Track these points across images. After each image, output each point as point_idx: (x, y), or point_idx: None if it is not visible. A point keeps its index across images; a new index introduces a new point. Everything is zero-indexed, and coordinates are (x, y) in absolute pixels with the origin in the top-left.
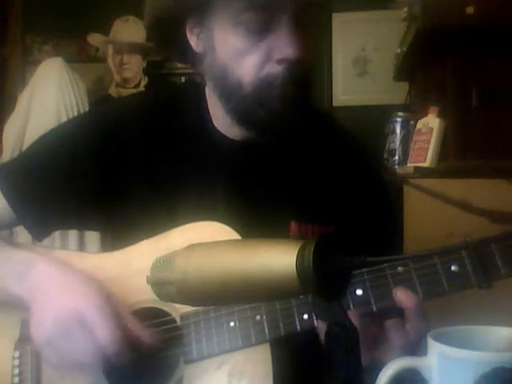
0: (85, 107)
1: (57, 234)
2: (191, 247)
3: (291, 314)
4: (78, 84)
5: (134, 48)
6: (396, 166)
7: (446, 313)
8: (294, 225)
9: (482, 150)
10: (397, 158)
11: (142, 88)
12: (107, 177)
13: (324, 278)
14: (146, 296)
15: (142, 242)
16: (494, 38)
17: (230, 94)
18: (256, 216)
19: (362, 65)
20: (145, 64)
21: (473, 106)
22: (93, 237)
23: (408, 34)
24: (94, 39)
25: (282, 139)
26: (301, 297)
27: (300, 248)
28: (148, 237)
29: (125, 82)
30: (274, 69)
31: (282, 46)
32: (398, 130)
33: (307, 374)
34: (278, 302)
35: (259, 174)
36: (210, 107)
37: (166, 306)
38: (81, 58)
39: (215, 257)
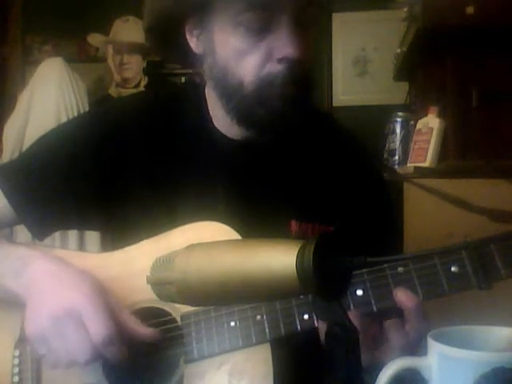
0: (85, 107)
1: (57, 233)
2: (191, 247)
3: (292, 313)
4: (78, 84)
5: (134, 48)
6: (396, 166)
7: (446, 313)
8: (294, 224)
9: (482, 149)
10: (397, 157)
11: (141, 88)
12: (107, 177)
13: (324, 278)
14: (146, 296)
15: (142, 242)
16: (494, 37)
17: (231, 94)
18: (256, 216)
19: (361, 65)
20: (145, 64)
21: (473, 106)
22: (93, 237)
23: (408, 34)
24: (94, 39)
25: (282, 139)
26: (301, 297)
27: (300, 248)
28: (148, 237)
29: (125, 82)
30: (275, 68)
31: (282, 46)
32: (398, 130)
33: (307, 373)
34: (278, 302)
35: (259, 173)
36: (210, 107)
37: (167, 306)
38: (81, 58)
39: (215, 257)
